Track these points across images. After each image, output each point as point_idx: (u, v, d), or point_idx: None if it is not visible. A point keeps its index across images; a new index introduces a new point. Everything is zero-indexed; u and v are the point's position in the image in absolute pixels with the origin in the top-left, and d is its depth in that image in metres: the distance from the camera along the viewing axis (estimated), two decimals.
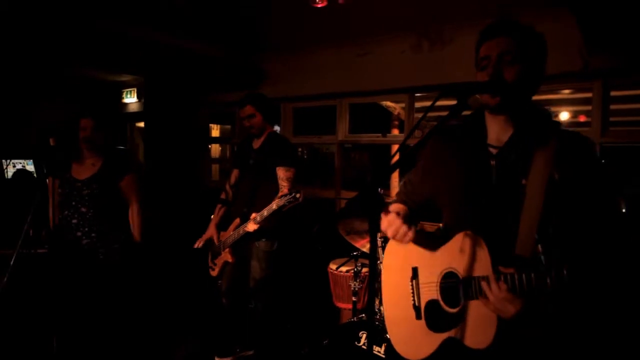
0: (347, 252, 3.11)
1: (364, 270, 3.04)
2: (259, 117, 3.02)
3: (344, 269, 3.26)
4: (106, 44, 4.37)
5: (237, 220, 3.00)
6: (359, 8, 3.36)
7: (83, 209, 2.75)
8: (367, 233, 3.00)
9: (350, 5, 3.07)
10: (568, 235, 1.20)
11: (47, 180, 2.80)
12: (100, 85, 6.35)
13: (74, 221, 2.75)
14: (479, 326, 1.30)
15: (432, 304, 1.45)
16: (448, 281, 1.40)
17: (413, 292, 1.51)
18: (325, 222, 3.15)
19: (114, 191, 2.83)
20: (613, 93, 3.24)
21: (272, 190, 2.92)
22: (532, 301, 1.17)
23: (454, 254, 1.38)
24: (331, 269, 3.38)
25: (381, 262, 2.71)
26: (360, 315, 2.73)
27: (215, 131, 7.36)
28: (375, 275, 2.91)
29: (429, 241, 1.52)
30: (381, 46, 4.03)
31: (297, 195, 2.55)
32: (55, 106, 5.76)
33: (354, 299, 2.96)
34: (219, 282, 3.17)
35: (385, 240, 2.81)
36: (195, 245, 3.24)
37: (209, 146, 6.33)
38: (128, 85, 6.36)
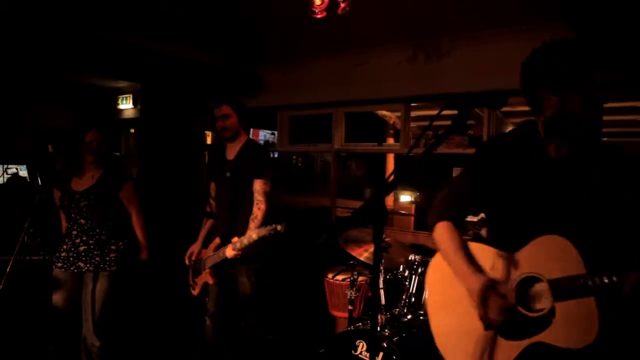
0: (344, 261, 3.12)
1: (360, 278, 3.05)
2: (234, 119, 2.84)
3: (340, 277, 3.27)
4: (104, 51, 4.37)
5: (218, 240, 2.80)
6: (356, 19, 3.39)
7: (82, 221, 2.74)
8: (364, 242, 3.01)
9: (349, 16, 3.10)
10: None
11: (53, 191, 2.80)
12: (95, 91, 6.32)
13: (74, 232, 2.75)
14: (576, 325, 1.32)
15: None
16: (528, 286, 1.41)
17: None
18: (332, 232, 3.11)
19: (112, 201, 2.82)
20: (605, 105, 3.27)
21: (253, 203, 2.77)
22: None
23: (535, 259, 1.41)
24: (327, 277, 3.39)
25: (380, 271, 2.73)
26: (357, 324, 2.73)
27: (208, 138, 7.34)
28: (378, 285, 2.89)
29: (484, 252, 1.54)
30: (378, 56, 4.07)
31: (279, 228, 2.45)
32: (50, 111, 5.73)
33: (350, 307, 2.97)
34: (207, 299, 2.98)
35: (384, 249, 2.83)
36: (187, 261, 3.02)
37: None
38: (124, 91, 6.34)
